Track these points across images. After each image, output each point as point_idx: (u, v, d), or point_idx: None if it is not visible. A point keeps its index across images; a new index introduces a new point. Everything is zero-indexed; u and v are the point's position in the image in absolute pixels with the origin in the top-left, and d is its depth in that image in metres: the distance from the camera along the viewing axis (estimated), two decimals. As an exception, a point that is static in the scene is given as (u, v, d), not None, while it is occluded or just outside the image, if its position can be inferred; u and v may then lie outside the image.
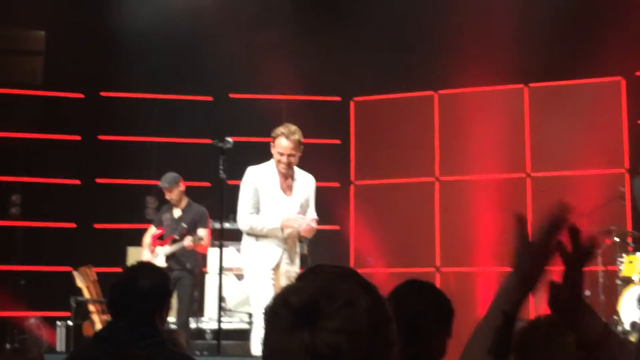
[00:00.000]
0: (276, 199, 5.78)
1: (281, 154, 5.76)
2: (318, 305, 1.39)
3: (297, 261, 5.97)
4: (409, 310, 2.46)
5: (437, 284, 9.94)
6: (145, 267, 3.31)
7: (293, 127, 5.83)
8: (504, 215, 9.55)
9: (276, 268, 5.73)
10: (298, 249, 6.01)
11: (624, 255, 7.61)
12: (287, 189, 5.87)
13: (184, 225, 7.65)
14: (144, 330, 3.01)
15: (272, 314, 1.43)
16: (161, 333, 3.13)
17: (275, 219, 5.72)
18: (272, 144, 5.84)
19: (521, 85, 9.88)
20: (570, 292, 1.76)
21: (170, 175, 7.84)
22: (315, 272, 1.48)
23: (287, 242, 5.80)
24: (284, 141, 5.74)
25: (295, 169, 5.98)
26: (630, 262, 7.36)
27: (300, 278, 1.50)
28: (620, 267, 7.60)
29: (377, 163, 10.37)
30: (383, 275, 9.97)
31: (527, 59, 9.35)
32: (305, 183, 5.94)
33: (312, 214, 5.99)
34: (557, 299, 1.77)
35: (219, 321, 5.66)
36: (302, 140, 5.85)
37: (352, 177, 10.57)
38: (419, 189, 10.13)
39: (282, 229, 5.74)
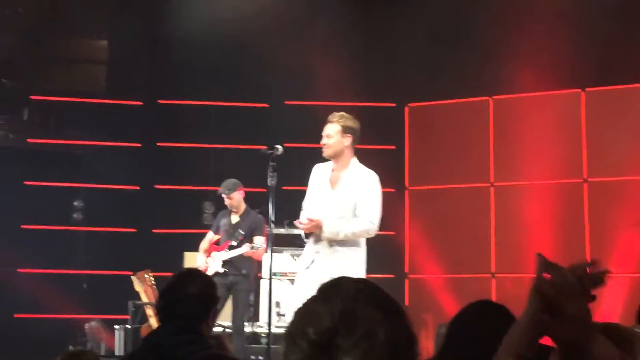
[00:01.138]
0: (320, 192, 5.54)
1: (322, 137, 5.60)
2: (336, 337, 1.36)
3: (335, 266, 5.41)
4: (476, 330, 2.43)
5: (493, 290, 9.96)
6: (193, 274, 3.38)
7: (339, 112, 5.66)
8: (560, 220, 9.47)
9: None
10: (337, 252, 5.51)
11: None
12: (334, 182, 5.58)
13: (241, 232, 7.74)
14: (190, 337, 3.09)
15: (291, 342, 1.41)
16: (207, 339, 3.21)
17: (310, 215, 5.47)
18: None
19: (578, 90, 9.77)
20: (573, 327, 1.66)
21: (230, 182, 7.94)
22: (337, 289, 1.44)
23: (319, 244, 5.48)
24: (326, 125, 5.59)
25: (354, 164, 5.67)
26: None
27: (321, 297, 1.45)
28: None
29: (432, 169, 10.36)
30: (439, 281, 9.97)
31: (584, 62, 9.24)
32: (358, 180, 5.55)
33: (365, 213, 5.55)
34: (560, 335, 1.68)
35: (269, 326, 5.72)
36: (351, 125, 5.58)
37: (407, 183, 10.58)
38: (474, 195, 10.09)
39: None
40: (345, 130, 5.59)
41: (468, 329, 2.44)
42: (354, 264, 5.52)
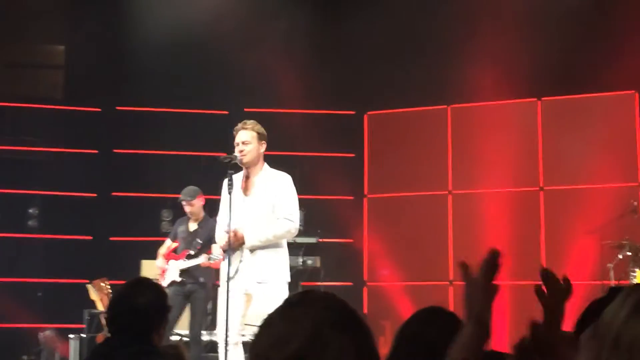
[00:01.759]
0: (235, 202, 5.53)
1: (237, 144, 5.65)
2: None
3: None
4: (425, 337, 2.44)
5: (451, 298, 10.02)
6: (143, 284, 3.32)
7: (250, 120, 5.79)
8: (517, 228, 9.58)
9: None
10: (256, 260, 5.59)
11: (636, 269, 7.60)
12: (248, 189, 5.67)
13: (200, 241, 7.68)
14: (141, 348, 3.05)
15: None
16: (159, 349, 3.17)
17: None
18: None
19: (534, 99, 9.91)
20: (549, 332, 1.76)
21: (191, 189, 7.89)
22: (305, 309, 1.42)
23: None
24: (237, 133, 5.67)
25: (266, 169, 5.77)
26: (643, 276, 7.34)
27: (288, 315, 1.42)
28: (633, 281, 7.59)
29: (391, 176, 10.41)
30: (397, 288, 10.01)
31: (540, 72, 9.37)
32: (272, 182, 5.64)
33: (284, 213, 5.63)
34: (537, 339, 1.77)
35: (226, 334, 5.68)
36: (264, 132, 5.70)
37: (366, 191, 10.62)
38: (432, 202, 10.16)
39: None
40: (261, 137, 5.73)
41: (417, 335, 2.46)
42: (277, 267, 5.67)
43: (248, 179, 5.72)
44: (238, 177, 5.72)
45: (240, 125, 5.75)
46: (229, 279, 5.54)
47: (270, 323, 1.42)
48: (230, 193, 5.51)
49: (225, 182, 5.68)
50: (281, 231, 5.66)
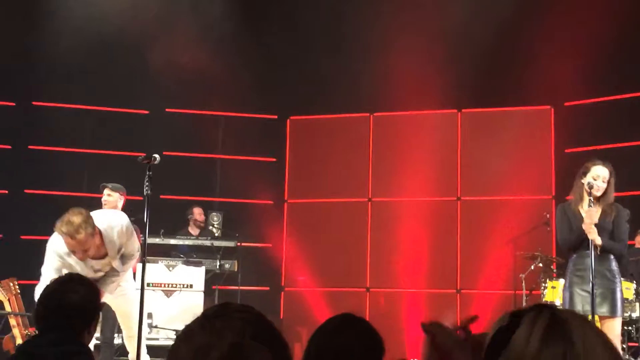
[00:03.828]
0: (83, 266, 5.55)
1: (73, 252, 5.41)
2: None
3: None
4: (335, 346, 2.43)
5: (367, 304, 10.05)
6: (74, 280, 3.23)
7: (76, 222, 5.24)
8: (434, 237, 9.71)
9: None
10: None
11: (547, 280, 7.78)
12: (93, 257, 5.62)
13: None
14: (70, 347, 2.96)
15: None
16: (87, 348, 3.08)
17: None
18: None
19: (454, 110, 10.07)
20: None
21: (118, 185, 7.76)
22: (224, 320, 1.41)
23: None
24: (67, 242, 5.33)
25: (102, 230, 5.60)
26: (553, 287, 7.52)
27: (208, 327, 1.41)
28: (544, 292, 7.76)
29: (312, 182, 10.43)
30: (314, 294, 10.01)
31: (461, 84, 9.53)
32: (113, 238, 5.61)
33: (129, 252, 5.86)
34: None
35: (139, 338, 5.58)
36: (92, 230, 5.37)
37: (286, 196, 10.60)
38: (352, 209, 10.22)
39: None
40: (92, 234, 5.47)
41: (328, 342, 2.44)
42: (134, 292, 6.07)
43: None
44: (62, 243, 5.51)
45: (64, 230, 5.32)
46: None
47: (190, 335, 1.41)
48: (148, 196, 5.43)
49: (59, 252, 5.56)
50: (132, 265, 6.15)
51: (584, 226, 5.46)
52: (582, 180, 5.57)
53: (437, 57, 9.27)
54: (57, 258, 5.53)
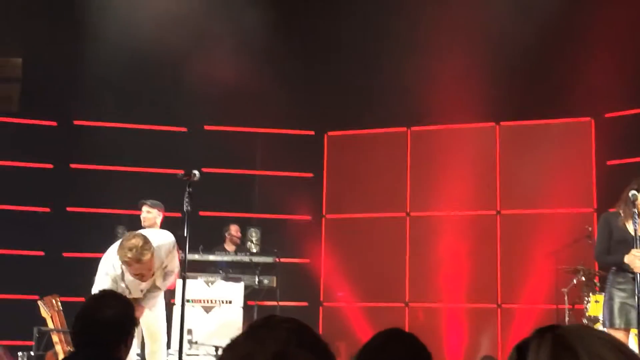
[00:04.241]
0: (132, 283, 5.80)
1: (135, 275, 5.63)
2: None
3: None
4: None
5: (406, 319, 9.99)
6: (108, 296, 3.26)
7: (139, 245, 5.46)
8: (474, 251, 9.63)
9: None
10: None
11: (590, 294, 7.66)
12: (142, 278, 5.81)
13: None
14: None
15: None
16: None
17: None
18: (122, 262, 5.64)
19: (492, 124, 10.00)
20: None
21: (157, 201, 7.84)
22: (268, 329, 1.42)
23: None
24: (131, 267, 5.54)
25: (151, 238, 5.75)
26: (597, 301, 7.40)
27: (252, 337, 1.42)
28: (587, 307, 7.65)
29: (349, 197, 10.41)
30: (353, 309, 9.98)
31: (499, 97, 9.47)
32: (160, 253, 5.75)
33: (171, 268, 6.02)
34: None
35: (180, 353, 5.62)
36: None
37: (324, 211, 10.59)
38: (390, 224, 10.17)
39: None
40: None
41: (375, 358, 2.41)
42: (163, 307, 6.33)
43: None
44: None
45: (130, 256, 5.51)
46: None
47: (235, 344, 1.42)
48: (187, 212, 5.50)
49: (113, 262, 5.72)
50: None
51: (626, 260, 5.40)
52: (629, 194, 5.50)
53: (474, 70, 9.23)
54: (110, 281, 5.66)
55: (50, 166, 10.19)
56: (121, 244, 5.49)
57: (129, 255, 5.42)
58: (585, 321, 7.77)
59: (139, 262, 5.44)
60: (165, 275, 6.00)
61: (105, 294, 3.34)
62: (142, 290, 5.84)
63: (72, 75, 10.02)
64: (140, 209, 7.83)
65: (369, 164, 10.39)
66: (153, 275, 5.81)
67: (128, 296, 5.53)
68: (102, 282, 5.73)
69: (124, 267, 5.59)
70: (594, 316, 7.68)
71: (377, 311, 9.76)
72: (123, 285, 5.72)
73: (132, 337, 3.18)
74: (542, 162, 9.53)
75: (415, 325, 9.52)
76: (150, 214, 7.73)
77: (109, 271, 5.69)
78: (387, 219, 10.21)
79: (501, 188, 9.86)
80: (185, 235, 5.56)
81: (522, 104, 9.63)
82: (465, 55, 9.26)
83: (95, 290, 5.69)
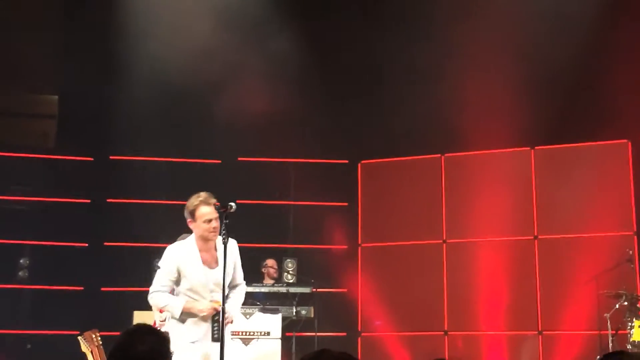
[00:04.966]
0: (201, 275, 5.59)
1: (209, 220, 5.62)
2: None
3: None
4: None
5: (445, 348, 9.89)
6: (142, 331, 3.23)
7: (204, 193, 5.70)
8: (512, 277, 9.51)
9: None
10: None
11: (634, 319, 7.53)
12: (212, 261, 5.69)
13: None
14: None
15: None
16: None
17: (181, 302, 5.56)
18: (190, 219, 5.65)
19: (527, 148, 9.93)
20: None
21: (188, 236, 7.82)
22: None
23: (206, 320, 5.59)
24: (205, 208, 5.61)
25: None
26: (641, 326, 7.27)
27: None
28: (631, 332, 7.52)
29: (385, 225, 10.37)
30: (392, 338, 9.90)
31: (533, 121, 9.40)
32: (229, 249, 5.62)
33: (239, 278, 5.84)
34: None
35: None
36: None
37: (360, 240, 10.56)
38: (427, 252, 10.11)
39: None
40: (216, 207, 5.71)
41: None
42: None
43: (207, 252, 5.71)
44: (190, 248, 5.66)
45: (200, 199, 5.66)
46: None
47: None
48: (225, 244, 5.45)
49: (171, 251, 5.65)
50: (243, 298, 5.99)
51: None
52: None
53: (508, 94, 9.19)
54: (174, 263, 5.58)
55: (87, 201, 10.29)
56: (189, 201, 5.67)
57: (200, 197, 5.60)
58: (629, 347, 7.63)
59: (209, 205, 5.57)
60: (234, 287, 5.83)
61: (139, 328, 3.32)
62: (212, 291, 5.58)
63: (107, 110, 10.15)
64: None
65: (403, 192, 10.36)
66: (217, 266, 5.65)
67: (195, 296, 5.50)
68: (166, 264, 5.61)
69: (201, 218, 5.58)
70: (638, 341, 7.55)
71: (416, 340, 9.67)
72: (190, 268, 5.56)
73: None
74: (579, 185, 9.43)
75: (455, 355, 9.41)
76: None
77: (175, 253, 5.61)
78: (424, 247, 10.15)
79: (538, 212, 9.76)
80: (223, 267, 5.54)
81: (557, 128, 9.53)
82: (498, 80, 9.23)
83: (158, 273, 5.65)
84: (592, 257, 8.94)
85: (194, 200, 5.65)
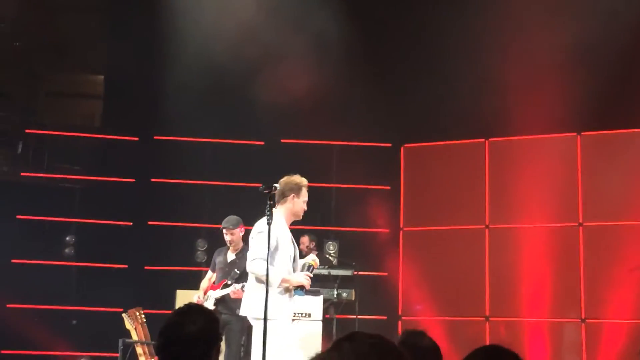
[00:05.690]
0: (291, 248, 5.85)
1: (306, 202, 5.96)
2: None
3: None
4: None
5: (487, 334, 9.82)
6: (193, 311, 3.26)
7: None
8: (556, 264, 9.41)
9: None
10: None
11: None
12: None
13: (237, 271, 7.63)
14: None
15: None
16: None
17: (281, 272, 5.71)
18: (294, 195, 5.88)
19: (574, 134, 9.79)
20: None
21: (234, 218, 7.84)
22: (351, 343, 1.47)
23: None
24: (306, 190, 5.95)
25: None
26: (687, 316, 7.16)
27: (335, 348, 1.48)
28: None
29: (427, 210, 10.32)
30: (432, 323, 9.87)
31: (580, 107, 9.24)
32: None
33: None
34: None
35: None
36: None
37: (402, 224, 10.53)
38: (469, 237, 10.04)
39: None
40: None
41: None
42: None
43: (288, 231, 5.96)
44: (281, 223, 5.84)
45: (305, 181, 6.00)
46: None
47: (320, 356, 1.52)
48: (269, 224, 5.50)
49: (281, 227, 5.76)
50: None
51: None
52: None
53: (554, 78, 9.05)
54: (273, 235, 5.62)
55: (132, 180, 10.42)
56: (288, 180, 5.92)
57: (304, 179, 5.98)
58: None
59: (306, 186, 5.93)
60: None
61: (190, 308, 3.35)
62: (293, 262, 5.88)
63: (152, 91, 10.24)
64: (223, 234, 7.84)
65: (446, 176, 10.29)
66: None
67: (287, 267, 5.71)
68: (260, 239, 5.66)
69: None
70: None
71: (457, 325, 9.63)
72: (286, 237, 5.78)
73: (217, 352, 3.19)
74: (626, 172, 9.28)
75: (497, 340, 9.35)
76: (234, 235, 7.75)
77: (264, 228, 5.65)
78: (466, 231, 10.08)
79: (583, 199, 9.62)
80: (267, 248, 5.58)
81: (604, 113, 9.37)
82: (544, 65, 9.10)
83: (255, 248, 5.72)
84: (638, 245, 8.80)
85: (302, 180, 5.95)
